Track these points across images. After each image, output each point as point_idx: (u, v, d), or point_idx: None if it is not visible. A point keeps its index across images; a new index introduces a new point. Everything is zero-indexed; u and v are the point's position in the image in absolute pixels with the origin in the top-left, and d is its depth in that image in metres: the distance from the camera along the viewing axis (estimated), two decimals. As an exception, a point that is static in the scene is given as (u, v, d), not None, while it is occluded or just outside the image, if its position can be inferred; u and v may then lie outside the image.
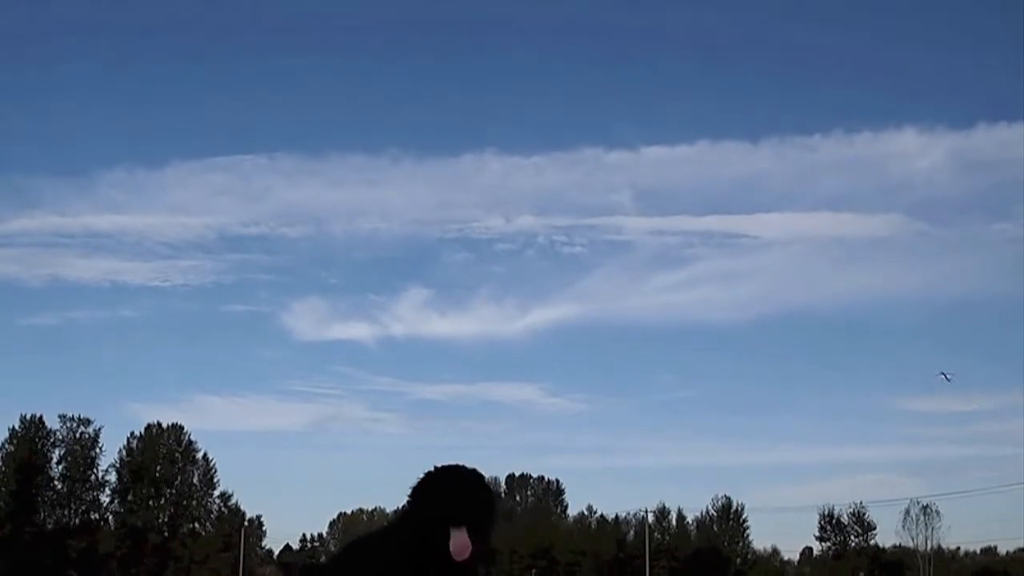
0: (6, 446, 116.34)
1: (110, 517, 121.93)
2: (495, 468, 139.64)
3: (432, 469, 5.51)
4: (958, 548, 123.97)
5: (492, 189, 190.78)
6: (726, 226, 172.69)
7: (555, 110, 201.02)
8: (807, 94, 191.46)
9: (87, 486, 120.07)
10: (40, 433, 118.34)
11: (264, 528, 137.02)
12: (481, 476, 5.50)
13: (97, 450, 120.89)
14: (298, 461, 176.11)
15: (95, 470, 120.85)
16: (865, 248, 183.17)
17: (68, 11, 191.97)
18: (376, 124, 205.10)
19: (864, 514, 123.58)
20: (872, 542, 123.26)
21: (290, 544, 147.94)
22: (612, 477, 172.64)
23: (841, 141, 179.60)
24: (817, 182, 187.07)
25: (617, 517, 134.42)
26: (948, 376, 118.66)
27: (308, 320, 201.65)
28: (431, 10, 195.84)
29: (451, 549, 5.18)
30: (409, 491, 5.49)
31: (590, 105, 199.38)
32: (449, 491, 5.31)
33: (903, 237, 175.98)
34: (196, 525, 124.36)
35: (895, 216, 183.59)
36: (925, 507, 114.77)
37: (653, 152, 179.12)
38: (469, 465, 5.48)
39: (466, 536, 5.23)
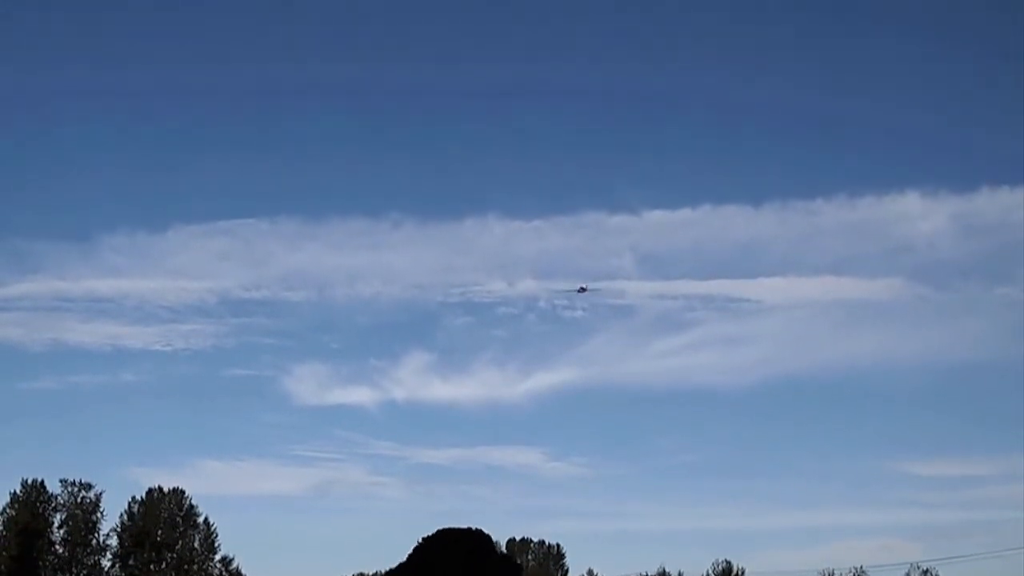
0: (7, 511, 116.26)
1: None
2: (496, 532, 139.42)
3: (441, 531, 5.44)
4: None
5: (494, 253, 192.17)
6: (728, 290, 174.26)
7: (557, 174, 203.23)
8: (809, 158, 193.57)
9: (88, 551, 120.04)
10: (41, 498, 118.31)
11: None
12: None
13: (98, 514, 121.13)
14: (299, 525, 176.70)
15: (96, 534, 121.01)
16: (866, 312, 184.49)
17: (69, 76, 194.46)
18: (378, 188, 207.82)
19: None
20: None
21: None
22: (613, 541, 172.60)
23: (843, 205, 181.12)
24: (819, 246, 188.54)
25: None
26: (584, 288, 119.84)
27: (309, 384, 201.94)
28: (432, 76, 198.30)
29: None
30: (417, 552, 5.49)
31: (592, 169, 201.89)
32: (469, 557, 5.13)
33: (904, 301, 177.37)
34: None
35: (897, 280, 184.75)
36: (925, 571, 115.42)
37: (655, 216, 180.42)
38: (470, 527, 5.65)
39: None
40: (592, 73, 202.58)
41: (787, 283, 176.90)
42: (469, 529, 5.68)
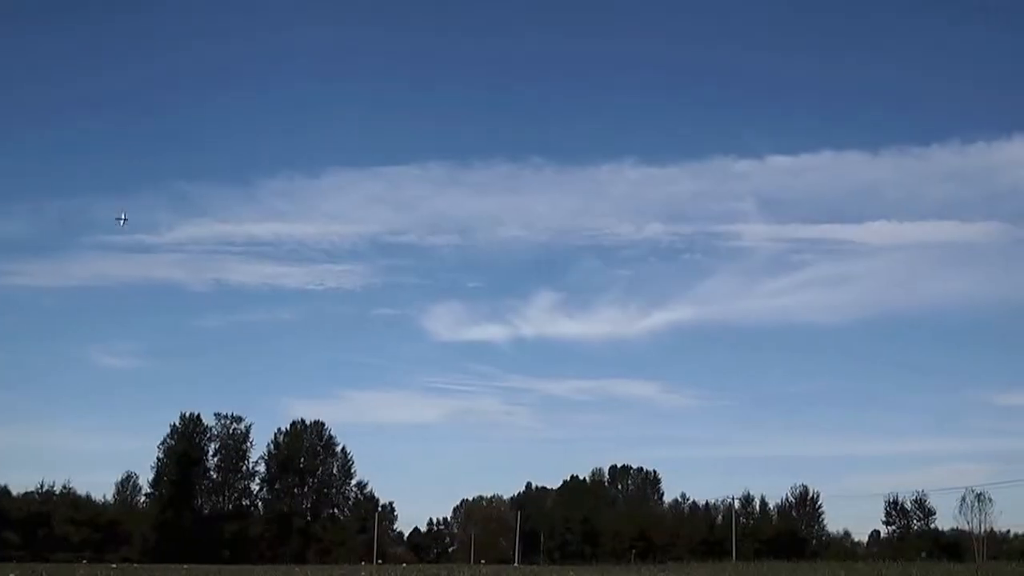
0: (168, 441, 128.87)
1: (259, 504, 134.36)
2: (602, 459, 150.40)
3: None
4: (1008, 531, 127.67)
5: (627, 197, 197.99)
6: (837, 234, 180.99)
7: (689, 121, 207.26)
8: (926, 104, 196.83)
9: (239, 476, 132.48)
10: (198, 429, 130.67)
11: (396, 513, 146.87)
12: None
13: (248, 444, 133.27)
14: (434, 451, 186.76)
15: (246, 462, 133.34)
16: (962, 254, 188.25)
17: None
18: (521, 133, 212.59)
19: (925, 501, 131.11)
20: (933, 526, 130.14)
21: (419, 527, 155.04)
22: (709, 467, 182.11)
23: (956, 151, 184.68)
24: (929, 191, 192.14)
25: (707, 503, 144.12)
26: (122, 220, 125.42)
27: (447, 322, 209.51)
28: (572, 30, 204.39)
29: None
30: None
31: (721, 114, 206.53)
32: None
33: (999, 244, 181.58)
34: (335, 511, 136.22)
35: (994, 223, 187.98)
36: (979, 495, 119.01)
37: (777, 161, 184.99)
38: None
39: None
40: (722, 20, 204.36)
41: (892, 227, 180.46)
42: None
